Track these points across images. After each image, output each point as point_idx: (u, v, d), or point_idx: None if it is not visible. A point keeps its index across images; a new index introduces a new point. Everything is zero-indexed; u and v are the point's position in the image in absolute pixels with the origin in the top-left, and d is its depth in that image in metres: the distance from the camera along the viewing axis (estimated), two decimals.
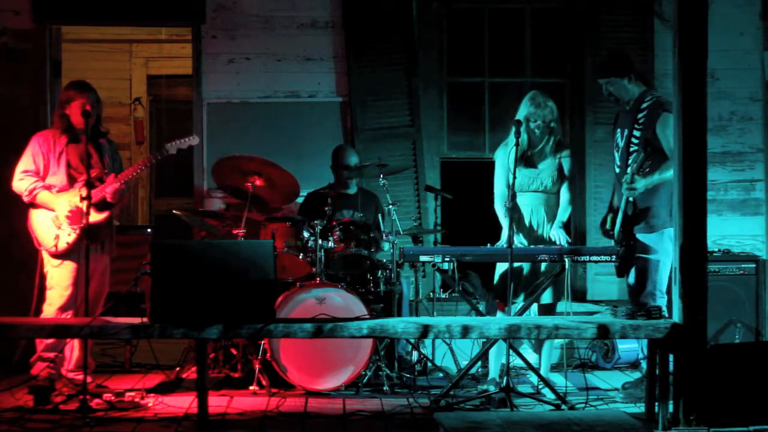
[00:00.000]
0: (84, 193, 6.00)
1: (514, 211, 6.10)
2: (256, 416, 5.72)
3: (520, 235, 6.28)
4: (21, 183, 6.24)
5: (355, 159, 7.26)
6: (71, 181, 6.22)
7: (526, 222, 6.33)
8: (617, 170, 6.36)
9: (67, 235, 6.17)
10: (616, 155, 6.37)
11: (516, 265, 6.13)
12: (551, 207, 6.38)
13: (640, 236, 6.21)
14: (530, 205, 6.35)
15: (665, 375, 5.41)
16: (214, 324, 5.32)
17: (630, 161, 6.17)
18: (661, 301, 6.15)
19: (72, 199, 6.18)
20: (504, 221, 6.34)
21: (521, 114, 6.30)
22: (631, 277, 6.31)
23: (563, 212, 6.36)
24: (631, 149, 6.20)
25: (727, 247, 7.77)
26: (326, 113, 7.95)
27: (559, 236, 6.24)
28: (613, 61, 6.38)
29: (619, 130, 6.38)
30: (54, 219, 6.20)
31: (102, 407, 5.78)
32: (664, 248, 6.10)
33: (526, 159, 6.34)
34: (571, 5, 8.17)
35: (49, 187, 6.22)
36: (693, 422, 5.23)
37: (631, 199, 6.14)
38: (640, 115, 6.23)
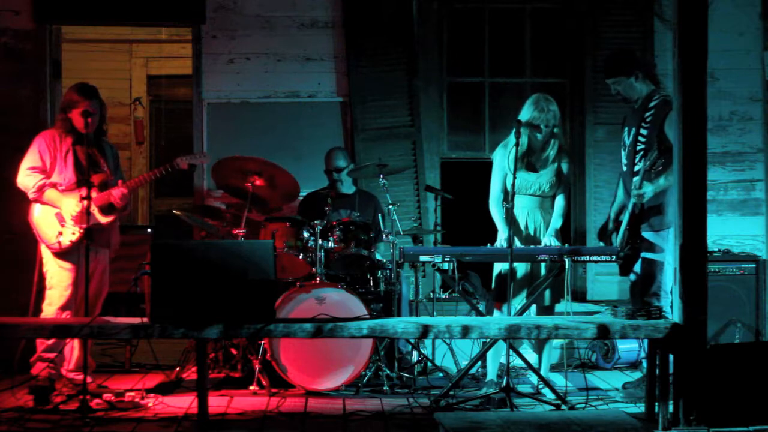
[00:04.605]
0: (85, 192, 6.02)
1: (512, 211, 6.10)
2: (256, 416, 5.72)
3: (516, 237, 6.27)
4: (28, 179, 6.25)
5: (342, 162, 7.26)
6: (79, 181, 6.22)
7: (522, 225, 6.32)
8: (624, 168, 6.36)
9: (71, 234, 6.18)
10: (623, 154, 6.36)
11: (514, 265, 6.13)
12: (547, 210, 6.37)
13: (646, 235, 6.21)
14: (527, 208, 6.34)
15: (665, 375, 5.41)
16: (214, 324, 5.32)
17: (637, 159, 6.16)
18: (665, 301, 6.14)
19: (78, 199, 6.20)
20: (499, 222, 6.34)
21: (524, 117, 6.28)
22: (635, 277, 6.30)
23: (557, 219, 6.34)
24: (638, 148, 6.20)
25: (727, 247, 7.77)
26: (326, 113, 7.95)
27: (551, 243, 6.22)
28: (619, 61, 6.36)
29: (626, 128, 6.38)
30: (57, 216, 6.21)
31: (102, 407, 5.78)
32: (669, 248, 6.08)
33: (527, 162, 6.33)
34: (571, 5, 8.17)
35: (54, 185, 6.23)
36: (693, 422, 5.23)
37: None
38: (647, 114, 6.22)
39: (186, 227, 7.46)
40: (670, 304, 6.10)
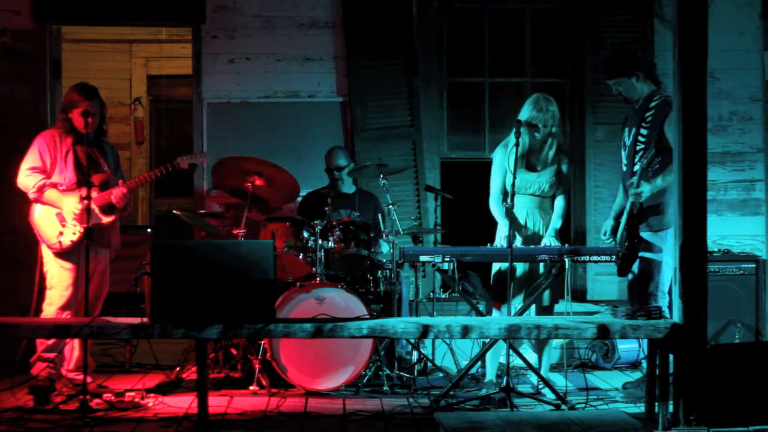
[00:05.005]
0: (85, 192, 6.03)
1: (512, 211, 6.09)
2: (256, 416, 5.72)
3: (516, 237, 6.27)
4: (28, 179, 6.25)
5: (343, 161, 7.27)
6: (80, 181, 6.22)
7: (522, 224, 6.32)
8: (624, 168, 6.36)
9: (72, 234, 6.18)
10: (623, 154, 6.37)
11: (514, 265, 6.13)
12: (547, 210, 6.37)
13: (644, 235, 6.20)
14: (526, 208, 6.34)
15: (665, 375, 5.41)
16: (214, 324, 5.32)
17: (637, 159, 6.17)
18: (663, 302, 6.14)
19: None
20: (499, 219, 6.34)
21: (523, 116, 6.28)
22: (633, 277, 6.30)
23: (557, 220, 6.33)
24: (638, 148, 6.20)
25: (727, 247, 7.77)
26: (326, 113, 7.96)
27: (551, 244, 6.22)
28: (620, 61, 6.35)
29: (627, 128, 6.38)
30: (58, 215, 6.21)
31: (102, 407, 5.78)
32: (667, 248, 6.08)
33: (526, 162, 6.33)
34: (571, 5, 8.17)
35: (55, 185, 6.24)
36: (693, 422, 5.23)
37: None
38: (647, 114, 6.22)
39: (186, 227, 7.46)
40: (668, 305, 6.10)
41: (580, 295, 7.99)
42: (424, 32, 8.06)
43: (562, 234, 6.36)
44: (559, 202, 6.37)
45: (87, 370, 5.86)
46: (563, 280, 6.08)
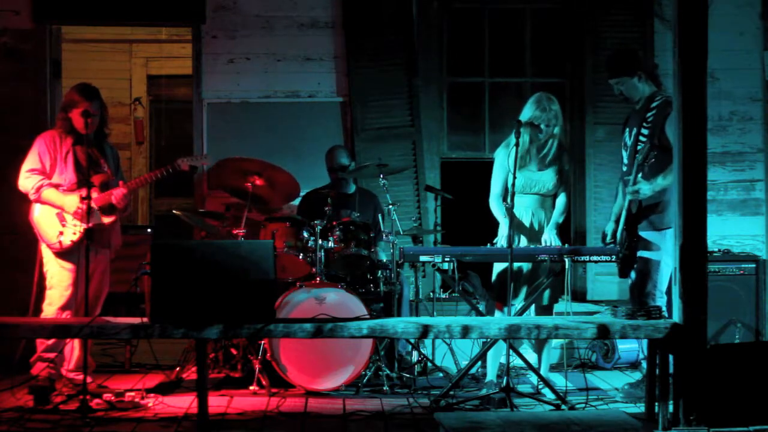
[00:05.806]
0: (85, 193, 6.03)
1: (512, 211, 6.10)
2: (256, 416, 5.72)
3: (521, 236, 6.27)
4: (27, 181, 6.25)
5: (346, 159, 7.28)
6: (80, 182, 6.22)
7: (527, 224, 6.32)
8: (624, 168, 6.36)
9: (72, 234, 6.18)
10: (624, 154, 6.36)
11: (515, 265, 6.13)
12: (549, 210, 6.38)
13: (643, 234, 6.20)
14: (530, 208, 6.34)
15: (665, 375, 5.41)
16: (214, 324, 5.32)
17: (637, 158, 6.16)
18: (661, 301, 6.13)
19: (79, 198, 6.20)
20: (500, 217, 6.34)
21: (524, 116, 6.29)
22: (633, 276, 6.30)
23: (558, 215, 6.34)
24: (639, 148, 6.19)
25: (727, 247, 7.77)
26: (326, 113, 7.95)
27: (551, 238, 6.23)
28: (622, 60, 6.35)
29: (627, 129, 6.38)
30: (59, 215, 6.21)
31: (102, 407, 5.78)
32: (666, 248, 6.08)
33: (529, 161, 6.33)
34: (571, 5, 8.17)
35: (56, 186, 6.24)
36: (693, 422, 5.23)
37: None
38: (648, 114, 6.21)
39: (186, 227, 7.46)
40: (666, 304, 6.10)
41: (580, 295, 7.99)
42: (424, 32, 8.06)
43: (562, 234, 6.36)
44: (561, 199, 6.38)
45: (87, 370, 5.86)
46: (563, 280, 6.08)
